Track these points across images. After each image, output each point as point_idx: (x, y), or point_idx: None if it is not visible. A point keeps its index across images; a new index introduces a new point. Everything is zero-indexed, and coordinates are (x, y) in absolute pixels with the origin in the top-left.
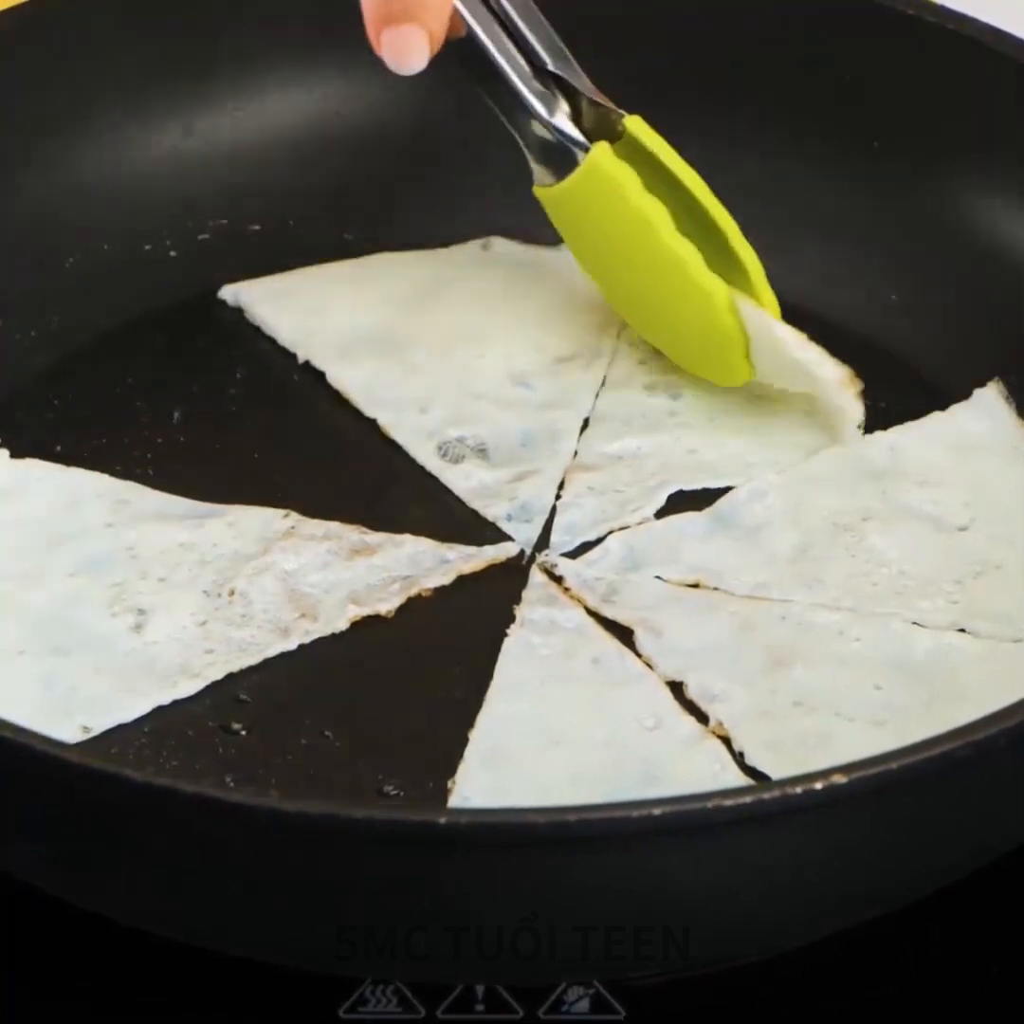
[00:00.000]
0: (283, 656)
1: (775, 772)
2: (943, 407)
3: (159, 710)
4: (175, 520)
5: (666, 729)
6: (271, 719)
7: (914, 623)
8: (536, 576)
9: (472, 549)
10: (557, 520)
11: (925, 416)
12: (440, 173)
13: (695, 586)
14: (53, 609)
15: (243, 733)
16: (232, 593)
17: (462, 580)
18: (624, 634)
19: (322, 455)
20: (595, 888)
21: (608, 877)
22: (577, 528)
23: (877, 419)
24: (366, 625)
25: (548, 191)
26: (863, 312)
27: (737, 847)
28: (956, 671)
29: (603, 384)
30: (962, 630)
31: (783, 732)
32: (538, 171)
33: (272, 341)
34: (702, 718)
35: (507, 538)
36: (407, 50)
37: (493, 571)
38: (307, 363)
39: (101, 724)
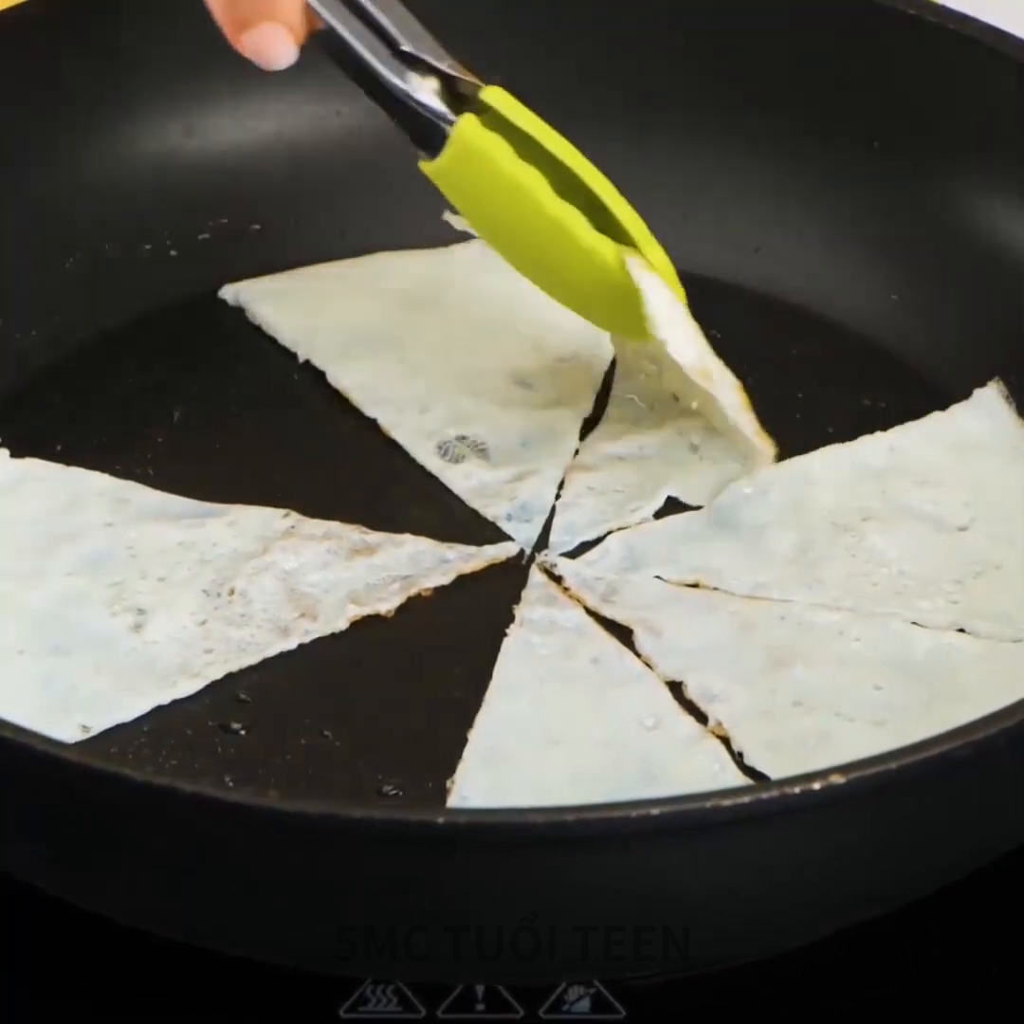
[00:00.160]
0: (283, 656)
1: (774, 772)
2: (943, 407)
3: (158, 710)
4: (175, 519)
5: (665, 729)
6: (271, 719)
7: (914, 623)
8: (536, 576)
9: (472, 549)
10: (557, 520)
11: (925, 416)
12: None
13: (695, 586)
14: (53, 608)
15: (242, 733)
16: (232, 593)
17: (462, 580)
18: (624, 634)
19: (322, 455)
20: (595, 888)
21: (608, 877)
22: (577, 528)
23: (877, 419)
24: (366, 625)
25: (430, 167)
26: (863, 312)
27: (736, 847)
28: (956, 671)
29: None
30: (962, 630)
31: (783, 732)
32: (418, 150)
33: (272, 341)
34: (701, 718)
35: (507, 538)
36: (268, 47)
37: (493, 571)
38: (307, 363)
39: (100, 724)
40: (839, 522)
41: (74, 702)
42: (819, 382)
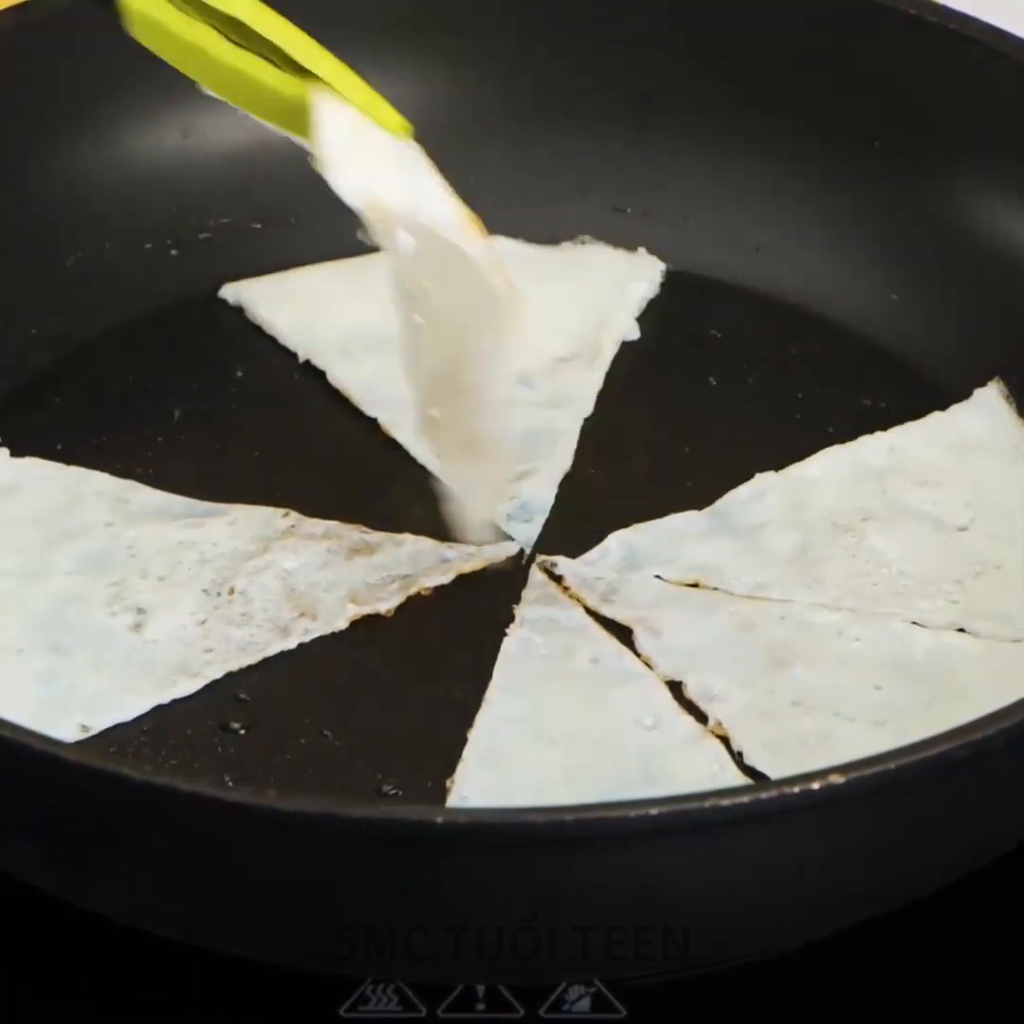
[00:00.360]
0: (282, 655)
1: (774, 772)
2: (943, 407)
3: (158, 709)
4: (175, 519)
5: (665, 729)
6: (270, 718)
7: (914, 623)
8: (536, 575)
9: (472, 548)
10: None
11: (925, 416)
12: (440, 173)
13: (695, 586)
14: (53, 608)
15: (242, 732)
16: (232, 592)
17: (462, 579)
18: (623, 633)
19: (322, 455)
20: (595, 888)
21: (607, 877)
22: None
23: (877, 419)
24: (365, 624)
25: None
26: (863, 312)
27: (736, 847)
28: (956, 671)
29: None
30: (962, 630)
31: (782, 732)
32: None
33: (272, 341)
34: (701, 718)
35: (507, 537)
36: None
37: (493, 570)
38: (307, 363)
39: (100, 723)
40: (839, 522)
41: (74, 701)
42: (819, 382)
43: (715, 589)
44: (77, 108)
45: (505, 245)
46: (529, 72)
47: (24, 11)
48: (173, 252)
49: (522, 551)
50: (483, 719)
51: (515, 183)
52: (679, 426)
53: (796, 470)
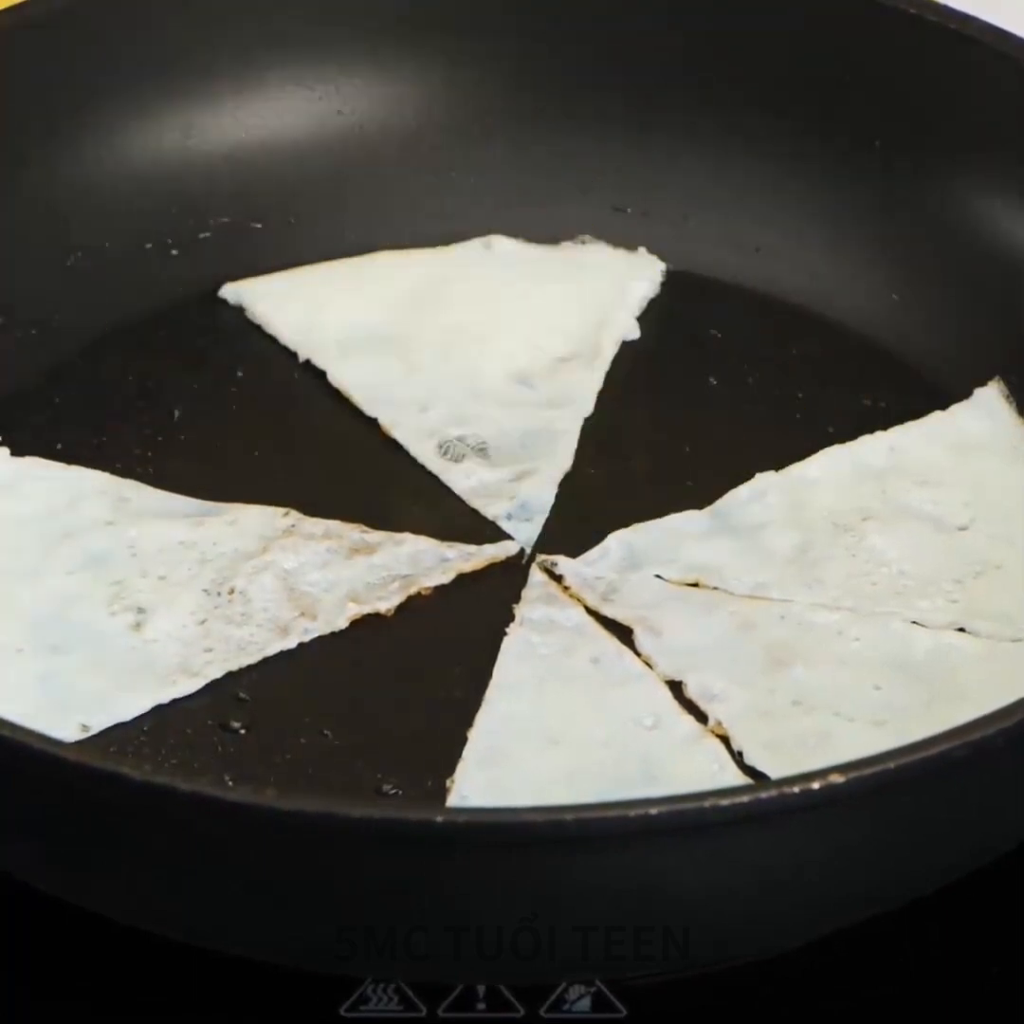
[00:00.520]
0: (282, 655)
1: (774, 772)
2: (943, 407)
3: (158, 709)
4: (175, 518)
5: (665, 728)
6: (270, 718)
7: (914, 623)
8: (536, 575)
9: (472, 548)
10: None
11: (925, 416)
12: (440, 173)
13: (695, 585)
14: (52, 607)
15: (242, 732)
16: (232, 591)
17: (462, 579)
18: (623, 633)
19: (322, 455)
20: (595, 888)
21: (607, 877)
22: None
23: (877, 419)
24: (366, 624)
25: None
26: (863, 312)
27: (736, 847)
28: (956, 671)
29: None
30: (962, 630)
31: (782, 732)
32: None
33: (272, 340)
34: (701, 717)
35: (507, 537)
36: None
37: (493, 570)
38: (307, 362)
39: (100, 723)
40: (839, 522)
41: (73, 701)
42: (819, 382)
43: (715, 589)
44: (77, 108)
45: (505, 245)
46: (529, 72)
47: (24, 11)
48: (173, 252)
49: (522, 551)
50: (483, 719)
51: (515, 183)
52: (679, 426)
53: (796, 470)
